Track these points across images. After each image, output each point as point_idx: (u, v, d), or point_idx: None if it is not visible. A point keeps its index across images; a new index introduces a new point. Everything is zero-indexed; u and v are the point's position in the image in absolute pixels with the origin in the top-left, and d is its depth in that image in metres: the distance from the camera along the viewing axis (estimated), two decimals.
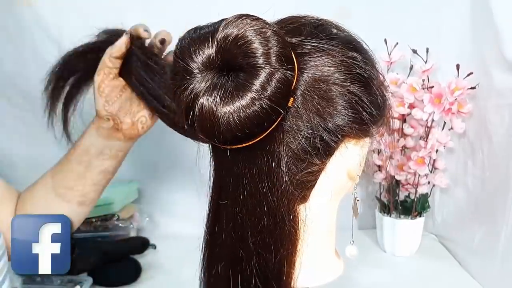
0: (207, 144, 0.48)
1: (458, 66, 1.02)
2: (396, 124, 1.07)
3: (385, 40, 1.07)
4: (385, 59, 1.07)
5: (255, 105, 0.38)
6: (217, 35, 0.39)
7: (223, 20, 0.40)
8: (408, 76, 1.07)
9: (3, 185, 0.73)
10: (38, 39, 1.10)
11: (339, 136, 0.44)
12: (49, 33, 1.10)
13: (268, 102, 0.39)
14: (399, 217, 1.13)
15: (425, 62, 1.04)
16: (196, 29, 0.42)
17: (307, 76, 0.43)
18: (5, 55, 1.12)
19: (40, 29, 1.09)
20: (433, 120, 1.05)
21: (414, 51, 1.06)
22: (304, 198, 0.46)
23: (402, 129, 1.08)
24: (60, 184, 0.72)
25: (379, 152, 1.10)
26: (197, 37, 0.40)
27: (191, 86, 0.39)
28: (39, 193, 0.73)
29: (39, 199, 0.73)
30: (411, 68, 1.07)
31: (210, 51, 0.39)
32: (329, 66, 0.44)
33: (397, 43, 1.07)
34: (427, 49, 1.05)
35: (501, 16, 0.93)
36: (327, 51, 0.44)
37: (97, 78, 0.70)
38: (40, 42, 1.10)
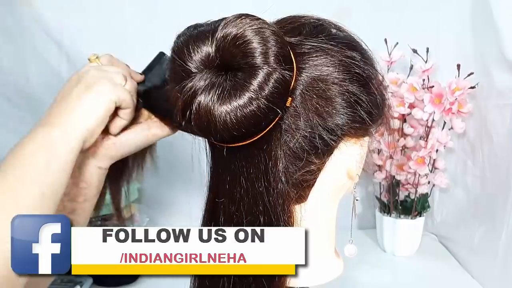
0: (207, 144, 0.48)
1: (458, 66, 1.02)
2: (396, 124, 1.07)
3: (385, 40, 1.06)
4: (385, 59, 1.07)
5: (252, 104, 0.38)
6: (217, 34, 0.39)
7: (223, 19, 0.40)
8: (408, 76, 1.07)
9: None
10: (38, 39, 1.10)
11: (338, 135, 0.44)
12: (49, 33, 1.10)
13: (266, 102, 0.39)
14: (399, 217, 1.13)
15: (425, 62, 1.04)
16: (195, 26, 0.42)
17: (306, 75, 0.43)
18: (5, 55, 1.12)
19: (40, 29, 1.09)
20: (433, 120, 1.05)
21: (414, 51, 1.06)
22: (302, 198, 0.46)
23: (402, 129, 1.08)
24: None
25: (379, 152, 1.10)
26: (196, 35, 0.40)
27: (189, 84, 0.39)
28: None
29: None
30: (411, 68, 1.07)
31: (209, 49, 0.39)
32: (328, 66, 0.44)
33: (397, 43, 1.07)
34: (427, 49, 1.05)
35: (501, 16, 0.93)
36: (326, 50, 0.44)
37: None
38: (40, 42, 1.10)
